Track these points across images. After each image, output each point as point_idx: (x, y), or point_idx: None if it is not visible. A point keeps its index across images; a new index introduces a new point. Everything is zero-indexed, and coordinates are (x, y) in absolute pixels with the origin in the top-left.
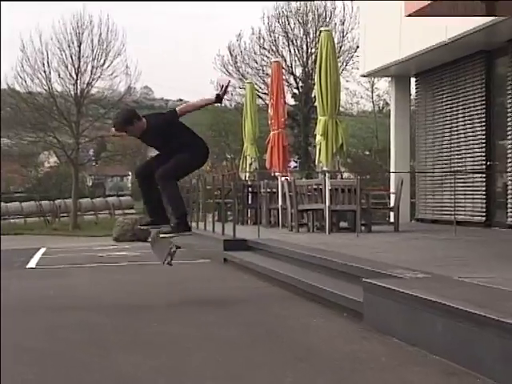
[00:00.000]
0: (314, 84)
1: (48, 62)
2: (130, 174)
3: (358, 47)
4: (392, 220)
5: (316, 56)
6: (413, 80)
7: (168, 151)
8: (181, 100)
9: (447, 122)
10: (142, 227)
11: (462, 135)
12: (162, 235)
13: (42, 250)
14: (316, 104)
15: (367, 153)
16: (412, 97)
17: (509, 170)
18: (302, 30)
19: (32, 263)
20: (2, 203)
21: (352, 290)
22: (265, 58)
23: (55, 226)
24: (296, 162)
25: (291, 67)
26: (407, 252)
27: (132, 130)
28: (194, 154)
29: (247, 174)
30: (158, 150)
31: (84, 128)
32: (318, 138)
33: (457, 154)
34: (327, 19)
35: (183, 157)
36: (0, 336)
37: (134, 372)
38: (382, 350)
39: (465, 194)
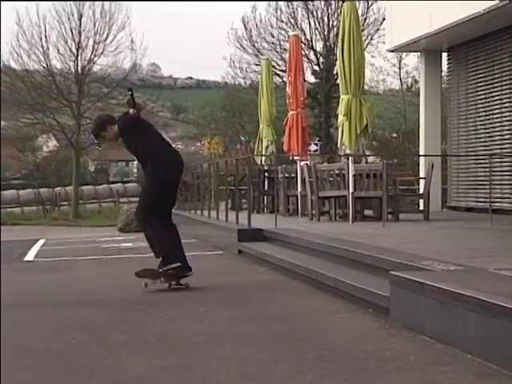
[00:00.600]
0: (336, 60)
1: (46, 37)
2: (135, 158)
3: (384, 19)
4: (421, 208)
5: (338, 29)
6: (444, 55)
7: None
8: (191, 78)
9: (482, 101)
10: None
11: (499, 115)
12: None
13: (41, 242)
14: (338, 82)
15: (394, 135)
16: (443, 73)
17: None
18: (322, 0)
19: (30, 255)
20: None
21: (378, 283)
22: (282, 32)
23: (55, 215)
24: (316, 144)
25: (311, 41)
26: (438, 242)
27: (106, 135)
28: (158, 178)
29: (263, 158)
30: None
31: (86, 109)
32: (341, 118)
33: (493, 136)
34: None
35: (149, 186)
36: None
37: (139, 372)
38: (409, 348)
39: (501, 180)
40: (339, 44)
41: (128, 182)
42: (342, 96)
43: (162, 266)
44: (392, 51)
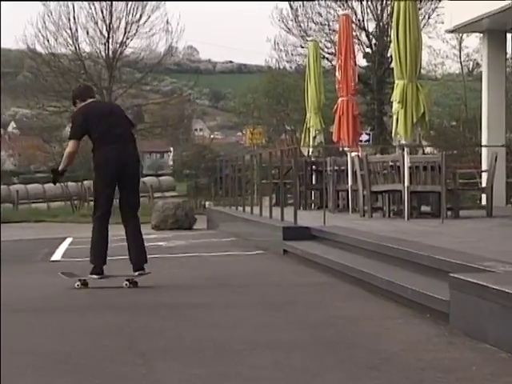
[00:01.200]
0: (390, 42)
1: (74, 18)
2: (171, 149)
3: None
4: (484, 203)
5: (392, 8)
6: (509, 36)
7: None
8: (231, 62)
9: None
10: None
11: None
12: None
13: (69, 240)
14: (393, 65)
15: (454, 123)
16: (508, 56)
17: None
18: None
19: (57, 255)
20: (21, 185)
21: (436, 286)
22: (331, 11)
23: (83, 211)
24: (368, 134)
25: (363, 21)
26: (501, 241)
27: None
28: (97, 173)
29: (310, 150)
30: None
31: (117, 95)
32: (395, 105)
33: None
34: None
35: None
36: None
37: (175, 381)
38: (471, 357)
39: None
40: (394, 24)
41: (163, 175)
42: (396, 81)
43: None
44: (451, 32)
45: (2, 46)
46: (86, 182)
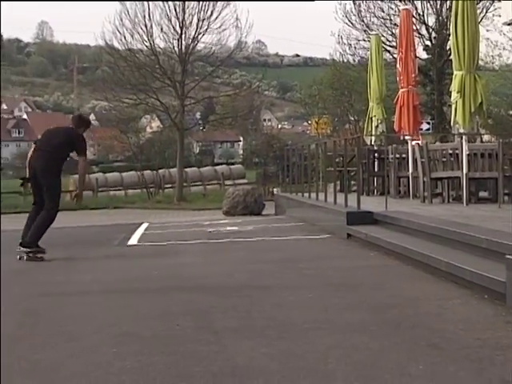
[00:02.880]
0: (449, 35)
1: (149, 15)
2: (241, 139)
3: None
4: None
5: (451, 2)
6: None
7: None
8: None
9: None
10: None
11: None
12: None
13: (145, 225)
14: (451, 57)
15: (511, 112)
16: None
17: None
18: None
19: (133, 240)
20: (101, 174)
21: (494, 268)
22: (393, 6)
23: (159, 198)
24: (429, 123)
25: (423, 16)
26: None
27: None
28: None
29: (373, 138)
30: None
31: (190, 88)
32: (454, 95)
33: None
34: None
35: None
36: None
37: (247, 359)
38: None
39: None
40: (452, 18)
41: (233, 163)
42: (455, 72)
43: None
44: (509, 24)
45: (82, 43)
46: (160, 171)
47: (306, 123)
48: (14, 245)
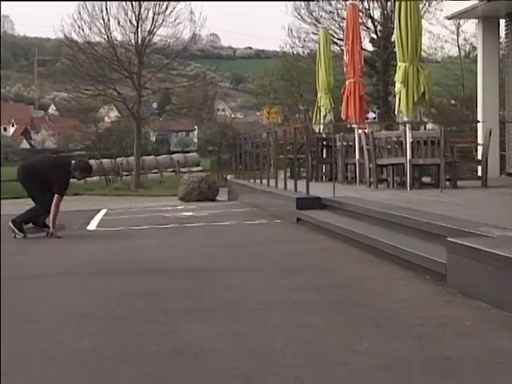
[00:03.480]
0: (394, 28)
1: (107, 9)
2: (196, 128)
3: None
4: (479, 174)
5: None
6: (502, 21)
7: None
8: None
9: None
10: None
11: None
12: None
13: (103, 211)
14: (396, 49)
15: (453, 102)
16: (501, 40)
17: None
18: None
19: (92, 225)
20: None
21: (435, 250)
22: (340, 0)
23: (117, 185)
24: (375, 112)
25: (369, 9)
26: (496, 209)
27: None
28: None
29: (321, 127)
30: None
31: (146, 79)
32: (398, 85)
33: None
34: None
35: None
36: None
37: (198, 339)
38: (466, 314)
39: None
40: (396, 12)
41: (188, 151)
42: (399, 64)
43: None
44: (450, 18)
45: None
46: (118, 159)
47: (258, 113)
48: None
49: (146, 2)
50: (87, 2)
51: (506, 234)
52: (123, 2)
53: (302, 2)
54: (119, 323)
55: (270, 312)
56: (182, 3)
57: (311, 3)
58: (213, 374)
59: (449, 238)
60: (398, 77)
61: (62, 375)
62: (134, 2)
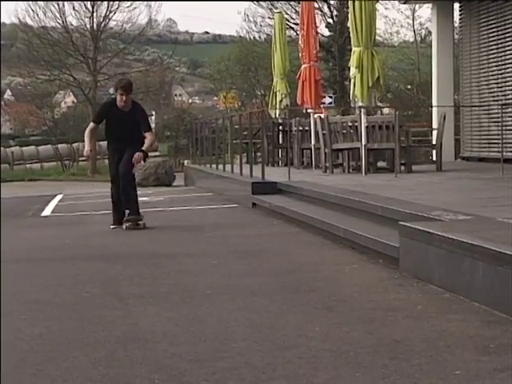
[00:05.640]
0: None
1: None
2: (153, 113)
3: None
4: (434, 159)
5: None
6: (456, 6)
7: (124, 145)
8: (207, 33)
9: (493, 52)
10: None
11: (510, 65)
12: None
13: (59, 197)
14: (350, 34)
15: (408, 87)
16: (456, 24)
17: None
18: None
19: (47, 211)
20: (18, 147)
21: (388, 234)
22: None
23: (73, 170)
24: (331, 97)
25: None
26: (449, 193)
27: (128, 98)
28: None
29: (277, 112)
30: (120, 139)
31: (102, 64)
32: (353, 70)
33: (504, 86)
34: None
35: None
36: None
37: (151, 324)
38: (418, 297)
39: None
40: None
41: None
42: (353, 48)
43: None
44: (405, 3)
45: None
46: (75, 145)
47: (215, 98)
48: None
49: None
50: None
51: (458, 217)
52: None
53: None
54: (71, 309)
55: (223, 296)
56: None
57: None
58: (164, 360)
59: (401, 222)
60: (353, 62)
61: (12, 361)
62: None
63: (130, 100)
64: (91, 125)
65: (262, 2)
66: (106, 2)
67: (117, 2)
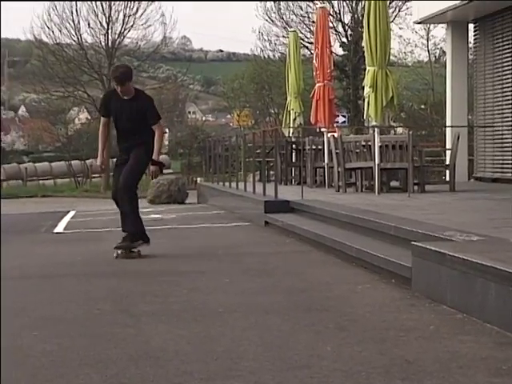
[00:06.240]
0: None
1: (77, 11)
2: (167, 130)
3: None
4: (447, 179)
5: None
6: (471, 26)
7: (130, 143)
8: (221, 51)
9: (508, 72)
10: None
11: None
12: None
13: (72, 213)
14: (365, 54)
15: (422, 106)
16: (470, 45)
17: None
18: None
19: (60, 227)
20: (31, 163)
21: (401, 254)
22: (311, 4)
23: (86, 187)
24: (345, 116)
25: (339, 14)
26: (462, 213)
27: (128, 85)
28: (149, 150)
29: (291, 130)
30: (124, 133)
31: None
32: (367, 90)
33: None
34: None
35: (139, 153)
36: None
37: (162, 342)
38: (430, 318)
39: None
40: (365, 16)
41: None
42: (368, 68)
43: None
44: (419, 23)
45: (12, 37)
46: (88, 161)
47: (228, 116)
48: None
49: (116, 4)
50: (57, 3)
51: (471, 238)
52: (93, 4)
53: (273, 5)
54: (83, 326)
55: (235, 315)
56: (153, 5)
57: (282, 6)
58: (175, 378)
59: (414, 242)
60: (367, 81)
61: (23, 378)
62: (104, 4)
63: (131, 88)
64: (101, 120)
65: (277, 21)
66: (121, 20)
67: (132, 19)
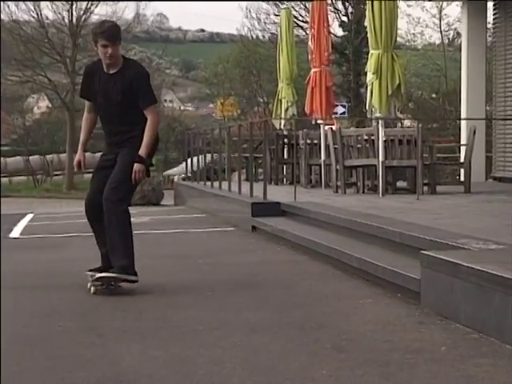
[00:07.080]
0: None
1: None
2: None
3: None
4: (462, 179)
5: None
6: (490, 4)
7: (120, 137)
8: (203, 30)
9: None
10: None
11: None
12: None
13: (30, 216)
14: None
15: (434, 95)
16: (489, 25)
17: None
18: None
19: (16, 232)
20: None
21: (408, 264)
22: None
23: (46, 186)
24: (344, 106)
25: None
26: (478, 218)
27: (117, 48)
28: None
29: (282, 122)
30: (110, 123)
31: (81, 65)
32: (370, 76)
33: None
34: None
35: (133, 152)
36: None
37: (134, 363)
38: (441, 337)
39: None
40: None
41: None
42: (371, 51)
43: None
44: (431, 0)
45: None
46: (48, 156)
47: (211, 105)
48: None
49: None
50: None
51: (488, 246)
52: None
53: None
54: (45, 345)
55: (218, 333)
56: None
57: None
58: None
59: (423, 251)
60: (370, 66)
61: None
62: None
63: (119, 55)
64: (86, 104)
65: None
66: None
67: None
